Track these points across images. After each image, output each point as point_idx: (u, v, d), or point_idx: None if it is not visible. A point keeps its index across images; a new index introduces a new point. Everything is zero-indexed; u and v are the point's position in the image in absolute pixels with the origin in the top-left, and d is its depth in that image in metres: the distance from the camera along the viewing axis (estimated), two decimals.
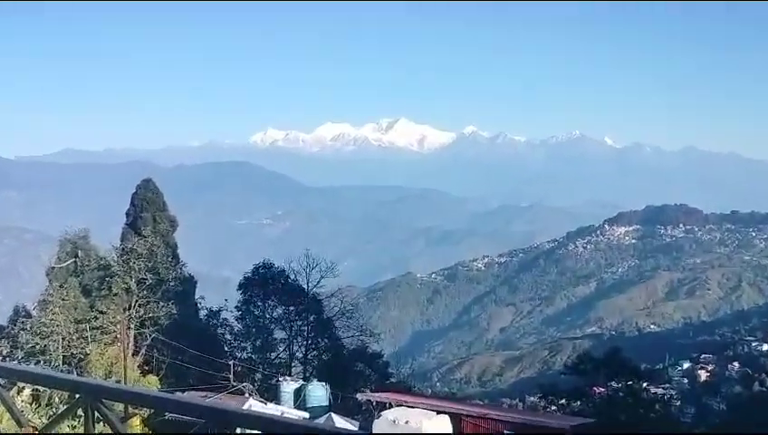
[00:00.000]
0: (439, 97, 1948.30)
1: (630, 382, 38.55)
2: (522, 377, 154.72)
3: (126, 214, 48.47)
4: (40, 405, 26.83)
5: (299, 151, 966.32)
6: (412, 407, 17.91)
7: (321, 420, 24.89)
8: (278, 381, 35.10)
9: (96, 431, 5.05)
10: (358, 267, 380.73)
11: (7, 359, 34.72)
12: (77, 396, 5.39)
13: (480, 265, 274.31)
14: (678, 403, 72.87)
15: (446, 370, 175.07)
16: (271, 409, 27.50)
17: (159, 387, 35.83)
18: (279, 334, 46.41)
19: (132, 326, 39.29)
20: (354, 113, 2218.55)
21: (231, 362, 37.10)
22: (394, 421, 14.01)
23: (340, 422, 26.46)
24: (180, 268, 44.79)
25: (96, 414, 5.20)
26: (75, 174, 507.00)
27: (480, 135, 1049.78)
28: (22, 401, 24.97)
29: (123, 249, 41.81)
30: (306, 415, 28.86)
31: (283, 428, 3.97)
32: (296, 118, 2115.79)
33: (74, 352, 36.61)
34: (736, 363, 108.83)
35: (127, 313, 39.06)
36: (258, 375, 41.19)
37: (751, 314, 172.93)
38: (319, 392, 32.08)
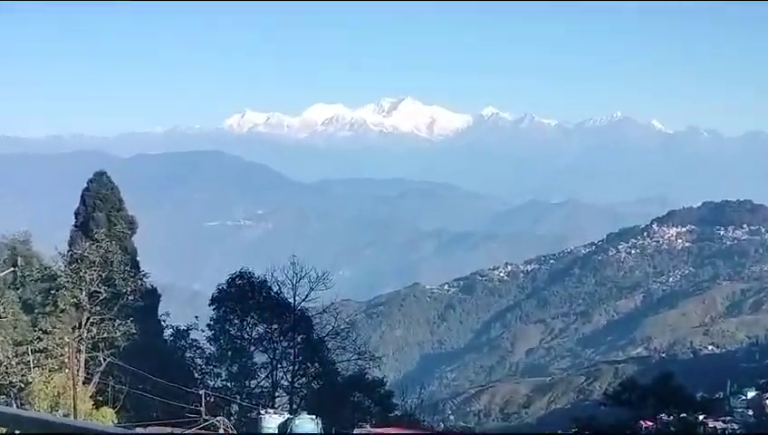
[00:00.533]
0: (452, 73, 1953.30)
1: (684, 415, 38.57)
2: (553, 409, 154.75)
3: (75, 214, 48.52)
4: None
5: (283, 138, 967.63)
6: None
7: None
8: (259, 414, 35.08)
9: None
10: (355, 277, 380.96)
11: None
12: (16, 434, 5.33)
13: (502, 275, 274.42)
14: None
15: (461, 400, 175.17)
16: None
17: (116, 422, 35.90)
18: (260, 358, 46.45)
19: (83, 349, 39.35)
20: (350, 92, 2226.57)
21: (202, 392, 37.14)
22: None
23: None
24: (141, 279, 44.88)
25: None
26: (12, 166, 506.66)
27: (501, 118, 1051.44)
28: None
29: (72, 256, 41.85)
30: None
31: None
32: (280, 98, 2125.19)
33: (13, 381, 36.62)
34: None
35: (76, 332, 39.13)
36: (235, 407, 41.25)
37: None
38: (308, 427, 32.08)
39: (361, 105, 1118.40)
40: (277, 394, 45.49)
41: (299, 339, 46.96)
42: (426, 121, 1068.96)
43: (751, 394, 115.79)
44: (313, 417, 33.06)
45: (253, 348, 46.54)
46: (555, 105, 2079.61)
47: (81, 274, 40.03)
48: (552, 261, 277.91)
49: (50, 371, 37.29)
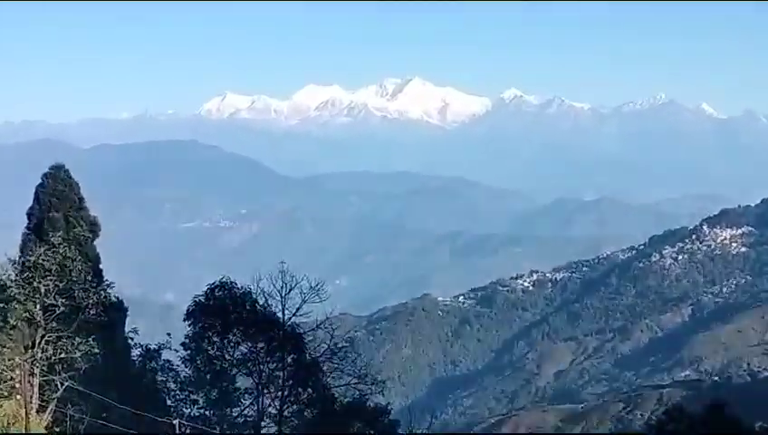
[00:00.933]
0: (467, 49, 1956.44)
1: None
2: None
3: (27, 214, 48.54)
4: None
5: (270, 125, 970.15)
6: None
7: None
8: None
9: None
10: (354, 288, 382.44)
11: None
12: None
13: (526, 284, 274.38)
14: None
15: (479, 431, 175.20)
16: None
17: None
18: (244, 382, 46.41)
19: (37, 372, 39.36)
20: (347, 72, 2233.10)
21: (176, 422, 37.17)
22: None
23: None
24: (104, 290, 44.88)
25: None
26: None
27: (525, 101, 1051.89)
28: None
29: (24, 264, 41.84)
30: None
31: None
32: (266, 78, 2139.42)
33: None
34: None
35: (29, 353, 39.14)
36: None
37: None
38: None
39: (361, 87, 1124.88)
40: (264, 424, 45.48)
41: (289, 360, 46.89)
42: (437, 105, 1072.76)
43: None
44: None
45: (235, 371, 46.51)
46: (588, 87, 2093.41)
47: (35, 284, 39.98)
48: (584, 268, 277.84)
49: None
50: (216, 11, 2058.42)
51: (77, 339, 40.29)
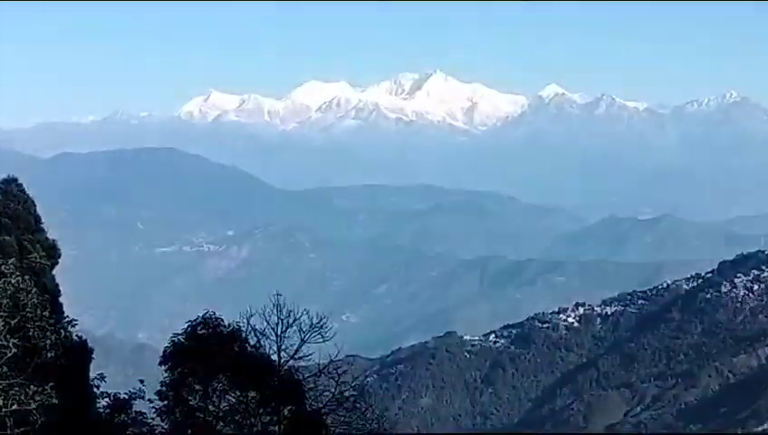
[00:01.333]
0: (497, 39, 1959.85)
1: None
2: None
3: None
4: None
5: (263, 130, 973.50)
6: None
7: None
8: None
9: None
10: (365, 324, 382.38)
11: None
12: None
13: (571, 320, 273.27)
14: None
15: None
16: None
17: None
18: None
19: None
20: (356, 66, 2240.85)
21: None
22: None
23: None
24: (65, 328, 44.94)
25: None
26: None
27: (569, 100, 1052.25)
28: None
29: None
30: None
31: None
32: (258, 74, 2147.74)
33: None
34: None
35: None
36: None
37: None
38: None
39: (372, 83, 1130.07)
40: None
41: (286, 412, 46.66)
42: (463, 105, 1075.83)
43: None
44: None
45: (221, 424, 46.28)
46: (643, 83, 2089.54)
47: None
48: (640, 301, 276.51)
49: None
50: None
51: (32, 387, 40.25)
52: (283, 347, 47.49)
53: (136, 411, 47.61)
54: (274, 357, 47.96)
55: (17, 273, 43.29)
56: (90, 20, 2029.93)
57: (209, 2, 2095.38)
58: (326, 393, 48.13)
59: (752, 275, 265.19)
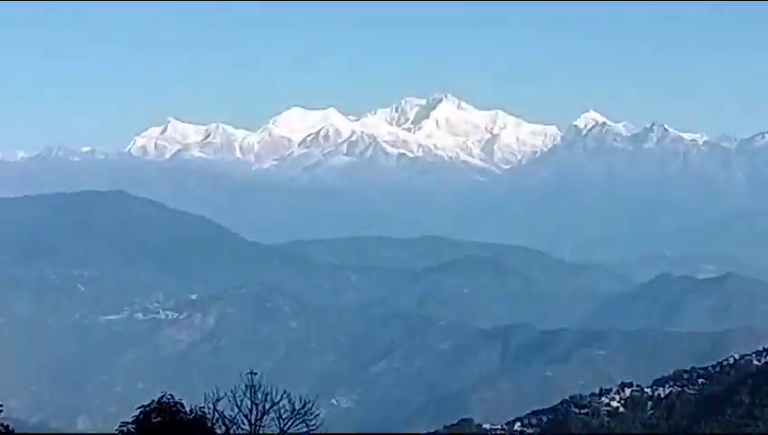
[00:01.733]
0: (521, 57, 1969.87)
1: None
2: None
3: None
4: None
5: (234, 168, 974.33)
6: None
7: None
8: None
9: None
10: (360, 409, 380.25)
11: None
12: None
13: (616, 404, 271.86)
14: None
15: None
16: None
17: None
18: None
19: None
20: (349, 90, 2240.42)
21: None
22: None
23: None
24: None
25: None
26: None
27: (611, 130, 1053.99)
28: None
29: None
30: None
31: None
32: (228, 99, 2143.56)
33: None
34: None
35: None
36: None
37: None
38: None
39: (369, 111, 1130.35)
40: None
41: None
42: (480, 138, 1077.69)
43: None
44: None
45: None
46: (702, 111, 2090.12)
47: None
48: (701, 380, 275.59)
49: None
50: (152, 6, 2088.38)
51: None
52: None
53: None
54: None
55: None
56: (18, 36, 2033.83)
57: (169, 16, 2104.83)
58: None
59: None
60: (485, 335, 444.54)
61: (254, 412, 47.21)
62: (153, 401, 49.07)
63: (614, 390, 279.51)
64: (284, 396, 48.07)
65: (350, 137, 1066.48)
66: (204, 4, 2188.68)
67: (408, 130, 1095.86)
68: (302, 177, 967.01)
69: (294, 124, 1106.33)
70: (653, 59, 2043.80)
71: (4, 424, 46.83)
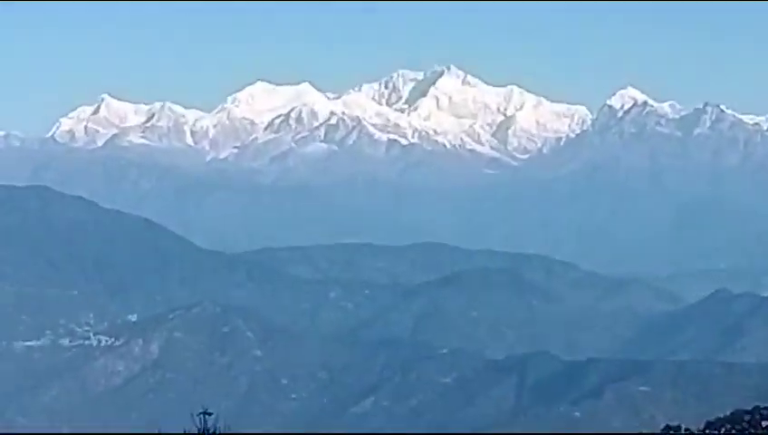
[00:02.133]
0: (542, 22, 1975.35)
1: None
2: None
3: None
4: None
5: (184, 158, 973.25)
6: None
7: None
8: None
9: None
10: None
11: None
12: None
13: None
14: None
15: None
16: None
17: None
18: None
19: None
20: (327, 61, 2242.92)
21: None
22: None
23: None
24: None
25: None
26: None
27: (653, 112, 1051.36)
28: None
29: None
30: None
31: None
32: (175, 73, 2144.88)
33: None
34: None
35: None
36: None
37: None
38: None
39: (352, 86, 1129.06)
40: None
41: None
42: (491, 120, 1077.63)
43: None
44: None
45: None
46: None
47: None
48: (765, 422, 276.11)
49: None
50: None
51: None
52: None
53: None
54: None
55: None
56: None
57: None
58: None
59: None
60: (498, 367, 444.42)
61: None
62: None
63: (659, 433, 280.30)
64: None
65: (329, 119, 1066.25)
66: None
67: (401, 110, 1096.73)
68: (268, 169, 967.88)
69: (259, 103, 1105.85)
70: (706, 21, 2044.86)
71: None
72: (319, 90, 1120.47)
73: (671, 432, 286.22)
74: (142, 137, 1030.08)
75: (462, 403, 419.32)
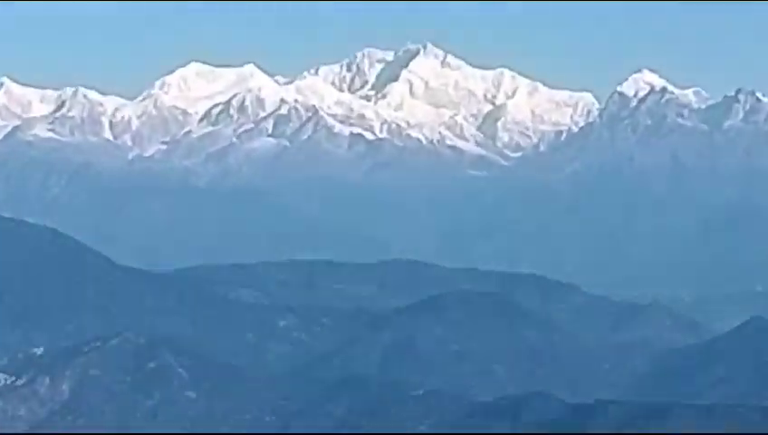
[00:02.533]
0: None
1: None
2: None
3: None
4: None
5: (100, 155, 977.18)
6: None
7: None
8: None
9: None
10: None
11: None
12: None
13: None
14: None
15: None
16: None
17: None
18: None
19: None
20: (275, 39, 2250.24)
21: None
22: None
23: None
24: None
25: None
26: None
27: (676, 99, 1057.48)
28: None
29: None
30: None
31: None
32: (90, 52, 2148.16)
33: None
34: None
35: None
36: None
37: None
38: None
39: (306, 68, 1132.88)
40: None
41: None
42: (476, 110, 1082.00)
43: None
44: None
45: None
46: None
47: None
48: None
49: None
50: None
51: None
52: None
53: None
54: None
55: None
56: None
57: None
58: None
59: None
60: (486, 411, 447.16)
61: None
62: None
63: None
64: None
65: (279, 108, 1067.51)
66: None
67: (367, 98, 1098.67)
68: (204, 169, 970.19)
69: (193, 89, 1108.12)
70: None
71: None
72: (266, 73, 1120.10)
73: None
74: (50, 130, 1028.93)
75: None
